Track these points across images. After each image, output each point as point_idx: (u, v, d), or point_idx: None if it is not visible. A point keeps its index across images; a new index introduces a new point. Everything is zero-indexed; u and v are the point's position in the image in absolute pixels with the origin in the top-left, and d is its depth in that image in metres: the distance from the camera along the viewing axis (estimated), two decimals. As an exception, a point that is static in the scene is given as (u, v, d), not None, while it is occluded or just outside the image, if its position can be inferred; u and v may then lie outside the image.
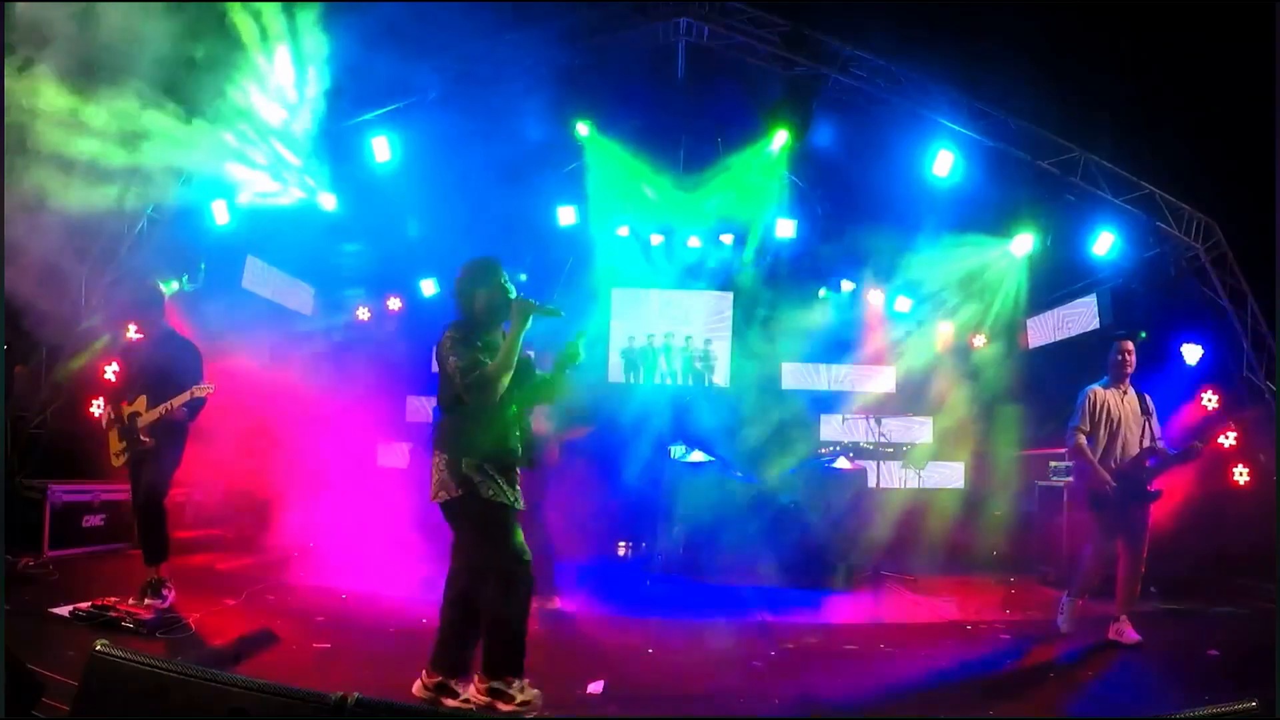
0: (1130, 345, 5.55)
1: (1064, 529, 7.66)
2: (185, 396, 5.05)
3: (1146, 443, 5.42)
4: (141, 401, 5.17)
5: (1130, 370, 5.51)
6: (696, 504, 7.86)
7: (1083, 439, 5.40)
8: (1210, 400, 7.64)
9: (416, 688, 3.71)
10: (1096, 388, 5.53)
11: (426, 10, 7.07)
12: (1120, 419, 5.42)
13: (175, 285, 7.67)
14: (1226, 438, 7.41)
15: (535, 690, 3.61)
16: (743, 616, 6.20)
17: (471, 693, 3.62)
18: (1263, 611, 6.28)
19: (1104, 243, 7.76)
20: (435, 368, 3.78)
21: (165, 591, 5.10)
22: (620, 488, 8.75)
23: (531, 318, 3.71)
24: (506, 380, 3.61)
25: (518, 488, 3.70)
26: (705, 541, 7.71)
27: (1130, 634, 5.23)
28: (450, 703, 3.60)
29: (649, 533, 8.64)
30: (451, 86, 7.73)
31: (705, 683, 4.46)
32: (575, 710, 3.81)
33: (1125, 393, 5.51)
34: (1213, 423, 6.66)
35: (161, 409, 5.07)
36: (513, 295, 3.76)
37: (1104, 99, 7.33)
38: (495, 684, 3.54)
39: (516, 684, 3.56)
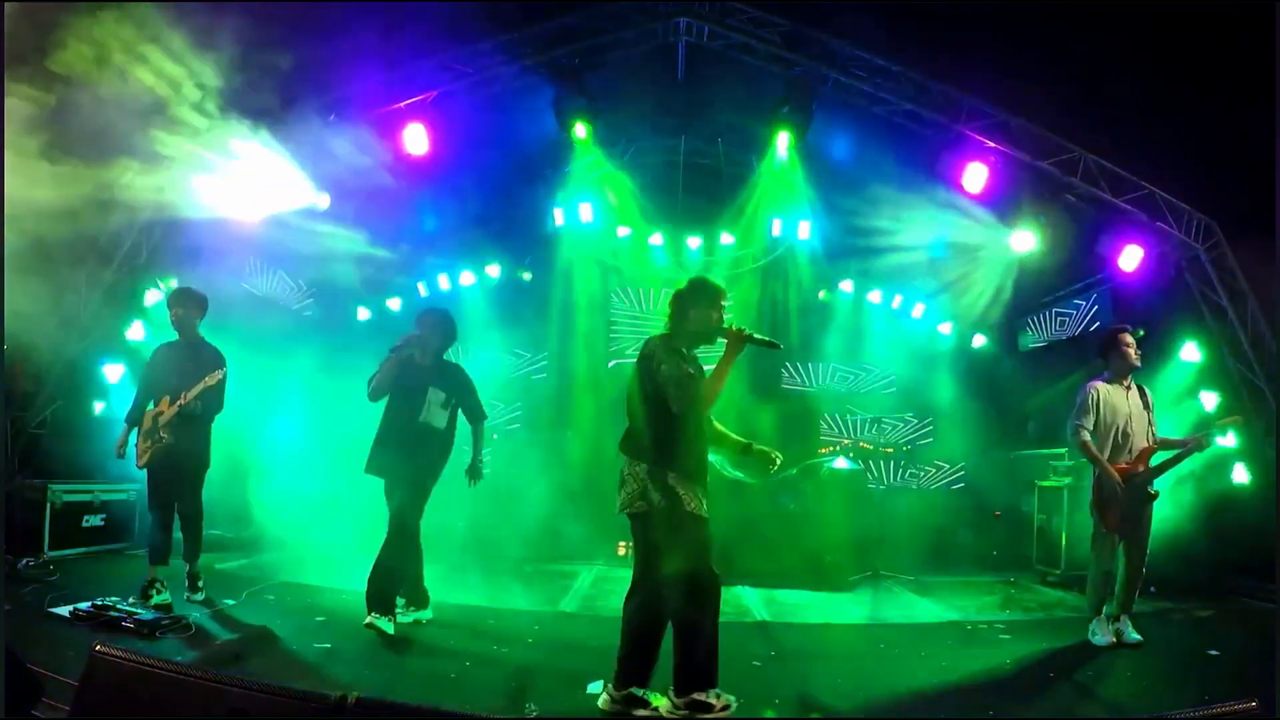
0: (1132, 340, 5.44)
1: (1064, 529, 7.67)
2: (199, 388, 5.32)
3: (1149, 439, 5.36)
4: (164, 402, 5.47)
5: (1135, 363, 5.40)
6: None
7: (1087, 436, 5.29)
8: (1210, 400, 7.64)
9: (603, 701, 3.73)
10: (1099, 383, 5.42)
11: (427, 10, 7.07)
12: (1125, 415, 5.32)
13: (174, 283, 7.69)
14: (1226, 438, 7.41)
15: (731, 696, 3.66)
16: (743, 616, 6.20)
17: (666, 706, 3.64)
18: (1262, 612, 6.29)
19: (1130, 257, 7.65)
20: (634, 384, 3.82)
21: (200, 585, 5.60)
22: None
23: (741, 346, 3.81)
24: (713, 398, 3.76)
25: (706, 500, 3.74)
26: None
27: (1131, 635, 5.22)
28: (642, 713, 3.62)
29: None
30: (451, 86, 7.72)
31: (705, 683, 4.45)
32: (575, 710, 3.81)
33: (1128, 388, 5.42)
34: (1216, 420, 6.58)
35: (179, 401, 5.36)
36: (727, 323, 3.84)
37: (1104, 99, 7.33)
38: (696, 695, 3.58)
39: (713, 693, 3.60)
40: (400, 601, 5.12)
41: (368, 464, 5.18)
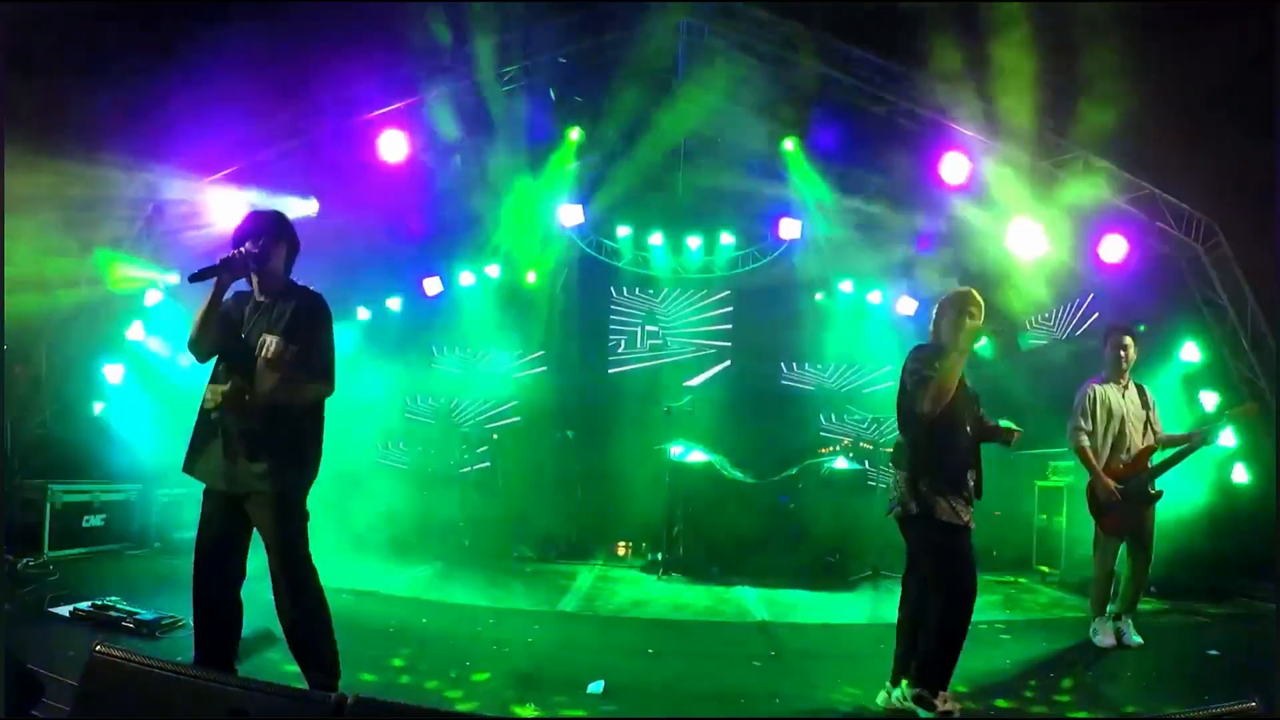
0: (1128, 339, 5.40)
1: (1064, 529, 7.66)
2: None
3: (1148, 439, 5.32)
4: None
5: (1130, 364, 5.37)
6: (696, 504, 7.87)
7: (1084, 439, 5.27)
8: (1210, 400, 7.63)
9: (895, 699, 3.86)
10: (1095, 384, 5.38)
11: (425, 10, 7.08)
12: (1122, 415, 5.30)
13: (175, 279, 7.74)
14: (1227, 437, 7.41)
15: (956, 704, 3.70)
16: (743, 616, 6.20)
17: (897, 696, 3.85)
18: (1262, 612, 6.28)
19: (1114, 249, 7.63)
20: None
21: None
22: (619, 487, 8.78)
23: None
24: (946, 396, 3.69)
25: (970, 510, 3.79)
26: (705, 542, 7.72)
27: (1133, 635, 5.20)
28: (934, 710, 3.67)
29: (649, 533, 8.65)
30: (451, 86, 7.72)
31: (705, 683, 4.46)
32: (575, 710, 3.81)
33: (1125, 387, 5.38)
34: (1216, 418, 6.51)
35: None
36: (971, 321, 3.84)
37: (1104, 99, 7.32)
38: (923, 691, 3.67)
39: (941, 695, 3.67)
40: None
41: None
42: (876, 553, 7.95)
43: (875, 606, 6.77)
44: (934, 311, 4.02)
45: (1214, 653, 5.08)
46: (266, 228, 3.42)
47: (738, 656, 4.96)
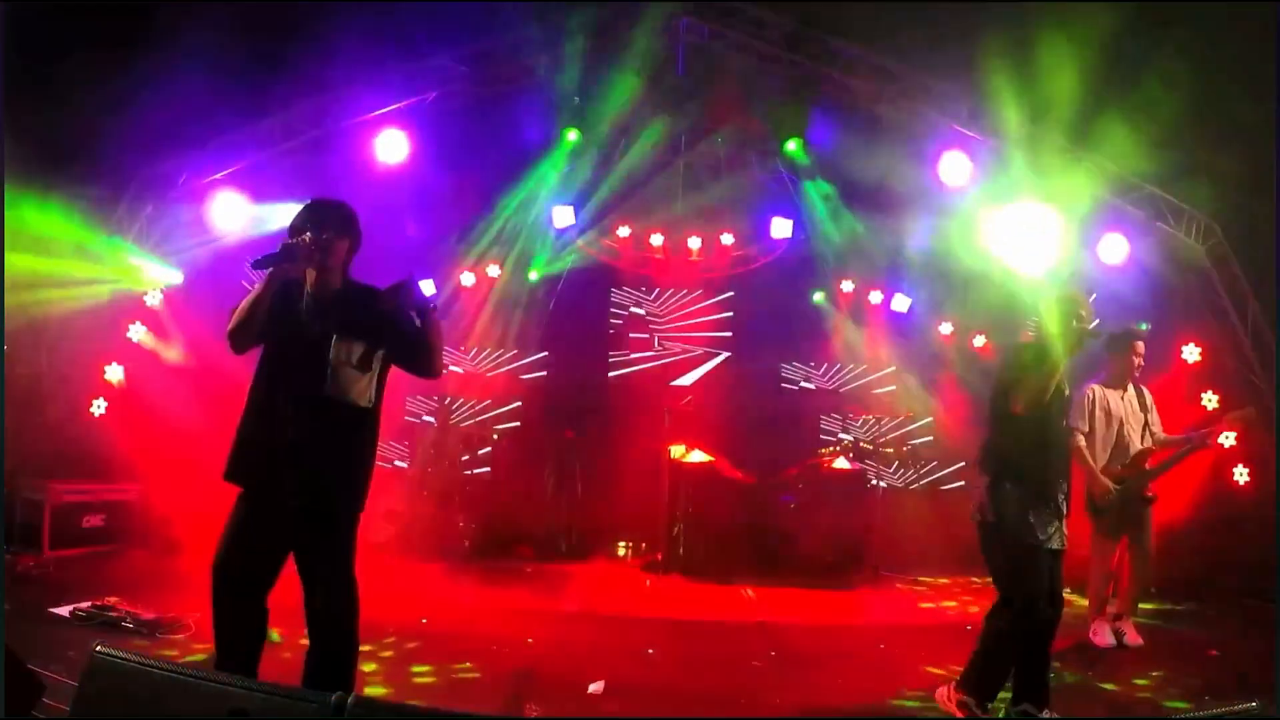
0: (1141, 345, 5.36)
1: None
2: None
3: (1147, 441, 5.31)
4: None
5: (1135, 373, 5.35)
6: (696, 504, 7.87)
7: (1081, 440, 5.21)
8: (1210, 400, 7.63)
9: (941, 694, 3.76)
10: (1095, 386, 5.35)
11: (425, 10, 7.07)
12: (1121, 418, 5.27)
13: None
14: (1226, 438, 7.42)
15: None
16: (743, 616, 6.20)
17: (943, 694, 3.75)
18: (1262, 612, 6.28)
19: (1112, 248, 7.63)
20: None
21: None
22: (619, 487, 8.77)
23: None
24: (1043, 396, 3.50)
25: (1055, 525, 3.54)
26: (705, 541, 7.72)
27: (1132, 636, 5.19)
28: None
29: (649, 533, 8.65)
30: (451, 86, 7.72)
31: (705, 683, 4.46)
32: (575, 710, 3.81)
33: (1126, 389, 5.37)
34: (1217, 419, 6.47)
35: None
36: (1079, 324, 3.68)
37: (1104, 99, 7.32)
38: (966, 698, 3.59)
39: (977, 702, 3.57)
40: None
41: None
42: (877, 553, 7.95)
43: (875, 606, 6.77)
44: (1038, 312, 3.82)
45: (1214, 653, 5.08)
46: (332, 218, 3.19)
47: (738, 656, 4.96)
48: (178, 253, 7.89)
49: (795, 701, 4.11)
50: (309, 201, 3.25)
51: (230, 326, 3.07)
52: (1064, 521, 3.59)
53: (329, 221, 3.17)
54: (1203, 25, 6.27)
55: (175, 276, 7.88)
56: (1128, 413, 5.31)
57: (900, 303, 10.08)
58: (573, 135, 8.02)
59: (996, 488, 3.56)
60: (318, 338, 3.09)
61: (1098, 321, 3.79)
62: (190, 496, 7.73)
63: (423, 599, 6.20)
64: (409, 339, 3.24)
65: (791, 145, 8.13)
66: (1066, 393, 3.74)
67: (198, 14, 6.17)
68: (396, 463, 9.74)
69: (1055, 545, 3.53)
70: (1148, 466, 5.24)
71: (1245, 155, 6.32)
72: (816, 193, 9.03)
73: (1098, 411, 5.28)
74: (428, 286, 9.94)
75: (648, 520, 8.59)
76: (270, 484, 3.03)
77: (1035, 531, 3.47)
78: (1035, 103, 7.31)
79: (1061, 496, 3.58)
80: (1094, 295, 8.93)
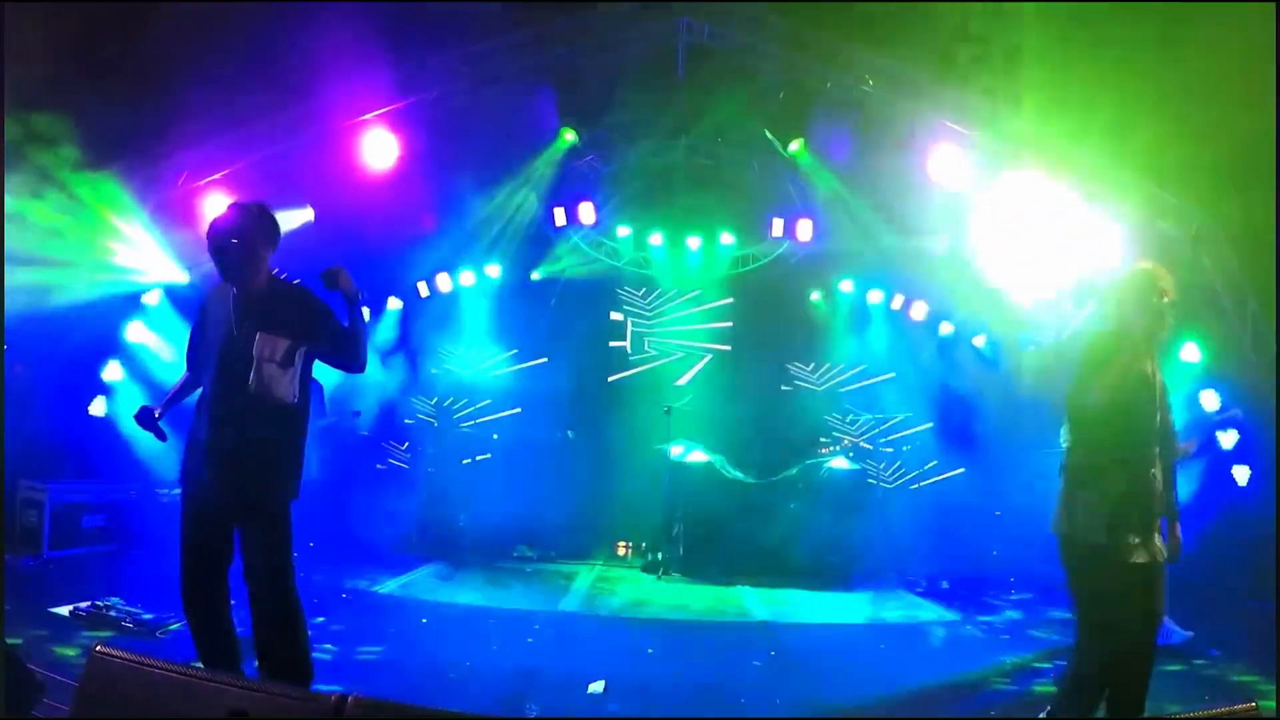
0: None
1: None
2: None
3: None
4: None
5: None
6: (696, 504, 7.87)
7: None
8: (1210, 400, 7.63)
9: None
10: None
11: (425, 10, 7.07)
12: None
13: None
14: (1226, 438, 7.42)
15: None
16: (743, 616, 6.20)
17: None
18: (1262, 611, 6.28)
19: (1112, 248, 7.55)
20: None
21: None
22: (619, 487, 8.78)
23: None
24: (1119, 390, 3.09)
25: (1139, 538, 3.08)
26: (705, 541, 7.72)
27: (1178, 631, 5.07)
28: None
29: (649, 533, 8.65)
30: (451, 87, 7.72)
31: (705, 683, 4.46)
32: (575, 710, 3.81)
33: None
34: (1211, 423, 6.40)
35: None
36: (1159, 301, 3.22)
37: (1103, 98, 7.32)
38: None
39: None
40: None
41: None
42: (876, 553, 7.95)
43: (875, 606, 6.77)
44: (1107, 294, 3.40)
45: (1214, 653, 5.08)
46: (239, 234, 3.19)
47: (738, 656, 4.96)
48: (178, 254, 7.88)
49: (795, 701, 4.11)
50: (209, 224, 3.24)
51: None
52: (1157, 532, 3.16)
53: (239, 240, 3.19)
54: (1203, 26, 6.27)
55: (182, 275, 7.87)
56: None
57: (901, 303, 10.08)
58: (569, 135, 8.01)
59: (1073, 496, 3.17)
60: (245, 337, 3.17)
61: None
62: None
63: (422, 599, 6.20)
64: (336, 332, 3.27)
65: (794, 145, 8.12)
66: (1155, 382, 3.21)
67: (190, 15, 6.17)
68: (393, 462, 9.73)
69: (1141, 559, 3.06)
70: None
71: (1245, 154, 6.32)
72: (817, 193, 9.02)
73: None
74: (432, 285, 9.94)
75: (648, 520, 8.59)
76: (206, 483, 3.13)
77: (1110, 539, 3.04)
78: (1035, 102, 7.33)
79: (1150, 504, 3.15)
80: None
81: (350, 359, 3.32)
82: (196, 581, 3.15)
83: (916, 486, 9.79)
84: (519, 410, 10.14)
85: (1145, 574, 3.09)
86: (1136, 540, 3.06)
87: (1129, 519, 3.07)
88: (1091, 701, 3.16)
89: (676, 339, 10.56)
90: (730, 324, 10.50)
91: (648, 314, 10.65)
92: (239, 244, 3.18)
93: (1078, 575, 3.20)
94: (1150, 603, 3.14)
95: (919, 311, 10.26)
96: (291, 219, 7.47)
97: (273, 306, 3.23)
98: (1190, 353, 7.73)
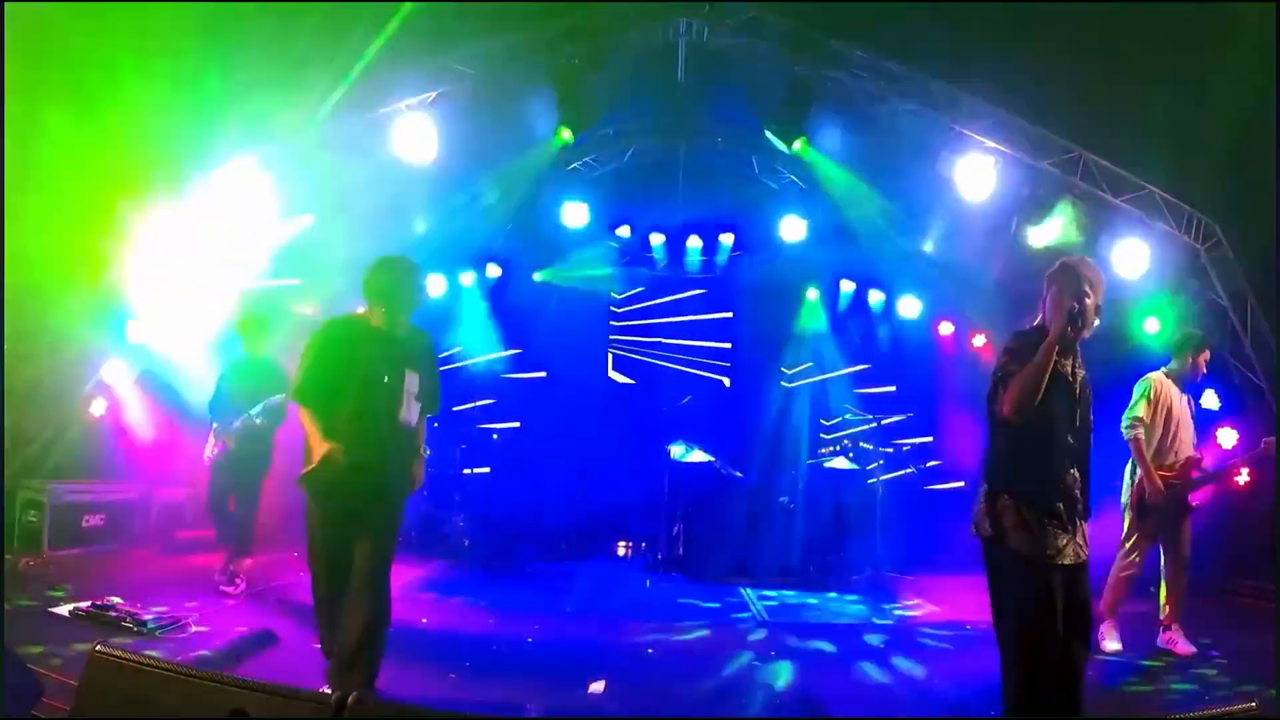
0: (1208, 351, 5.20)
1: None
2: (260, 406, 5.79)
3: (1191, 449, 5.08)
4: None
5: (1196, 379, 5.19)
6: (696, 504, 7.87)
7: (1141, 433, 4.89)
8: (1210, 401, 7.62)
9: None
10: (1161, 374, 5.08)
11: (425, 10, 7.06)
12: (1179, 418, 5.05)
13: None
14: (1226, 437, 7.41)
15: None
16: (743, 616, 6.20)
17: None
18: (1263, 611, 6.28)
19: (1135, 257, 7.42)
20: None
21: (238, 580, 5.79)
22: (619, 487, 8.78)
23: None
24: (1031, 397, 2.94)
25: (1066, 538, 2.97)
26: (705, 541, 7.72)
27: (1183, 645, 4.98)
28: None
29: (649, 533, 8.65)
30: (451, 86, 7.72)
31: (705, 683, 4.46)
32: (575, 710, 3.81)
33: (1184, 393, 5.17)
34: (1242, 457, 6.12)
35: (243, 417, 5.80)
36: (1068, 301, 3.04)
37: (1104, 98, 7.31)
38: None
39: None
40: None
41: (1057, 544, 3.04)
42: (876, 553, 7.95)
43: (875, 606, 6.77)
44: (1047, 281, 3.20)
45: (1214, 653, 5.08)
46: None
47: (738, 657, 4.96)
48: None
49: (795, 701, 4.11)
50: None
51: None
52: (1079, 532, 3.03)
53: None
54: (1203, 24, 6.28)
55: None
56: (1185, 412, 5.12)
57: (901, 303, 10.08)
58: (566, 134, 8.00)
59: (994, 499, 3.06)
60: (397, 375, 3.76)
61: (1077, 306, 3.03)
62: (189, 497, 7.76)
63: (422, 599, 6.20)
64: (436, 378, 4.00)
65: (796, 145, 8.13)
66: (1075, 380, 3.10)
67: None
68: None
69: (1067, 560, 2.96)
70: (1192, 476, 5.04)
71: (1246, 154, 6.32)
72: (816, 193, 9.03)
73: (1159, 404, 5.04)
74: (432, 286, 9.94)
75: (648, 520, 8.59)
76: (354, 496, 3.69)
77: (1043, 545, 2.95)
78: (1034, 102, 7.32)
79: (1073, 504, 3.02)
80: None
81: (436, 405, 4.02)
82: (333, 583, 3.70)
83: (916, 485, 9.79)
84: (518, 410, 10.15)
85: (1074, 573, 2.98)
86: (1063, 542, 2.96)
87: (1053, 521, 2.97)
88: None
89: (676, 339, 10.56)
90: (730, 324, 10.50)
91: (647, 314, 10.64)
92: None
93: (1002, 584, 3.11)
94: (1082, 597, 3.02)
95: (919, 311, 10.26)
96: (291, 221, 7.48)
97: (415, 351, 3.85)
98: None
